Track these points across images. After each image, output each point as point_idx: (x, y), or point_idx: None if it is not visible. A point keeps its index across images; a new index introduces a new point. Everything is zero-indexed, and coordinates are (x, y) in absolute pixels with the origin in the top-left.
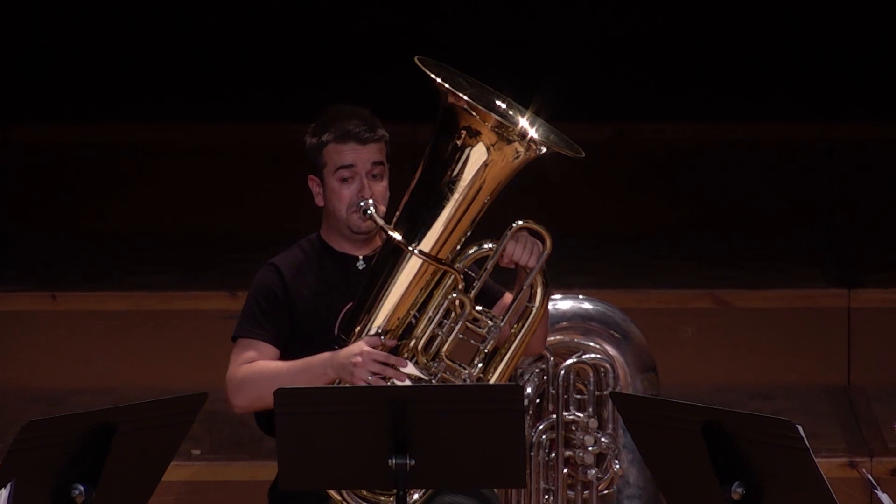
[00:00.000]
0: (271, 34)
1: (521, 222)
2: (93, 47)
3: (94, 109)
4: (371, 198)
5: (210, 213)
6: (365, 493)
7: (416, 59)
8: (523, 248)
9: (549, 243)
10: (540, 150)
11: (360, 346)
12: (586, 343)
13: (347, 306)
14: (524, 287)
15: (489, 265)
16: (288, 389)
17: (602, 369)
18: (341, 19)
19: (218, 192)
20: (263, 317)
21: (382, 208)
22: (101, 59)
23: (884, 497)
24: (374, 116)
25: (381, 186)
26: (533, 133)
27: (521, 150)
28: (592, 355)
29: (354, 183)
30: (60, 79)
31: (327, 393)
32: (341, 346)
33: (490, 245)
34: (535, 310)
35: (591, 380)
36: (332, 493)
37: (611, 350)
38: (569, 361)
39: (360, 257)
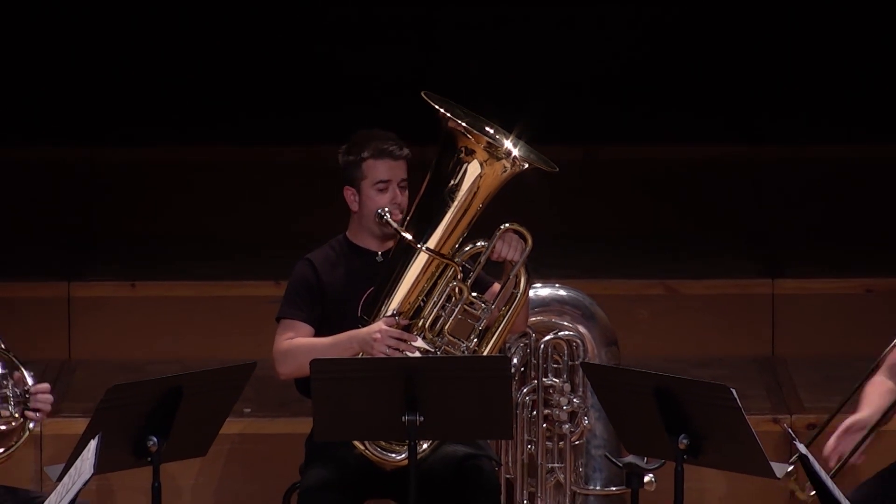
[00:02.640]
0: (305, 72)
1: (507, 225)
2: (160, 86)
3: (171, 134)
4: (399, 204)
5: (257, 219)
6: (383, 443)
7: (422, 93)
8: (509, 245)
9: (530, 242)
10: (523, 165)
11: (379, 325)
12: (561, 322)
13: (368, 291)
14: (510, 277)
15: (482, 259)
16: (321, 360)
17: (574, 343)
18: (360, 58)
19: (263, 202)
20: (301, 301)
21: (398, 215)
22: (167, 94)
23: (800, 446)
24: (398, 138)
25: (405, 196)
26: (516, 152)
27: (508, 165)
28: (566, 332)
29: (388, 192)
30: (137, 110)
31: (353, 363)
32: (364, 326)
33: (483, 243)
34: (519, 295)
35: (566, 352)
36: (357, 443)
37: (581, 328)
38: (547, 337)
39: (379, 253)
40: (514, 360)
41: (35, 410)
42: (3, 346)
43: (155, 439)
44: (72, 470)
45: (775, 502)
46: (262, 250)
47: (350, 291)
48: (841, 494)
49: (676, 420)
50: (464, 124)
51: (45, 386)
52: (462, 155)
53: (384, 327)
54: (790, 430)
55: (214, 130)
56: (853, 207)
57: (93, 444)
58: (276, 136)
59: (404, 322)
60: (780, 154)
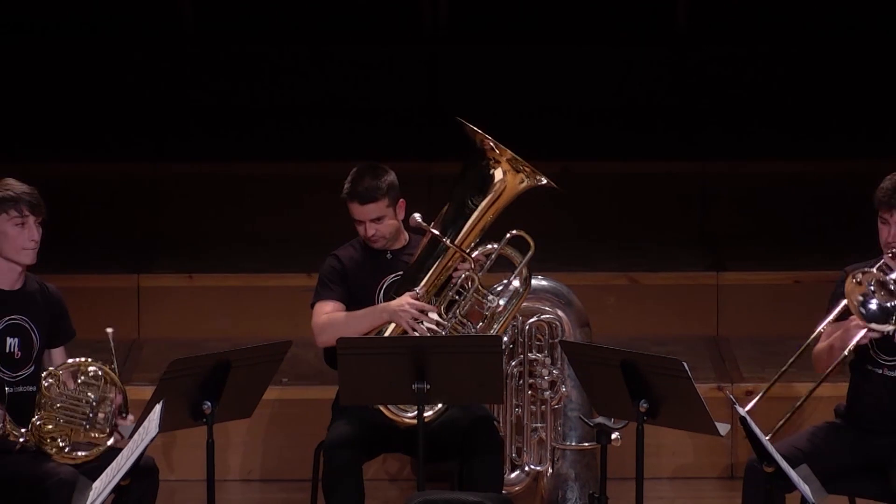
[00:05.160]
0: (328, 100)
1: (515, 231)
2: (213, 111)
3: (221, 151)
4: (375, 234)
5: (291, 222)
6: (400, 406)
7: (457, 118)
8: (516, 248)
9: (532, 246)
10: (539, 180)
11: (406, 298)
12: (543, 307)
13: (384, 281)
14: (515, 275)
15: (493, 258)
16: (347, 339)
17: (554, 325)
18: (380, 89)
19: (296, 208)
20: (332, 285)
21: (380, 241)
22: (219, 117)
23: (740, 410)
24: (377, 179)
25: (384, 226)
26: (532, 169)
27: (525, 178)
28: (547, 315)
29: (362, 227)
30: (195, 129)
31: (372, 341)
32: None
33: (494, 245)
34: (522, 291)
35: (547, 332)
36: (381, 406)
37: (560, 312)
38: (532, 319)
39: (389, 251)
40: (505, 339)
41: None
42: (117, 370)
43: (209, 403)
44: (141, 428)
45: (714, 454)
46: (295, 248)
47: (367, 281)
48: (774, 450)
49: (638, 388)
50: (492, 140)
51: (132, 419)
52: (489, 165)
53: (410, 300)
54: (731, 396)
55: (254, 148)
56: (784, 213)
57: (158, 407)
58: (306, 154)
59: (425, 301)
60: (725, 169)
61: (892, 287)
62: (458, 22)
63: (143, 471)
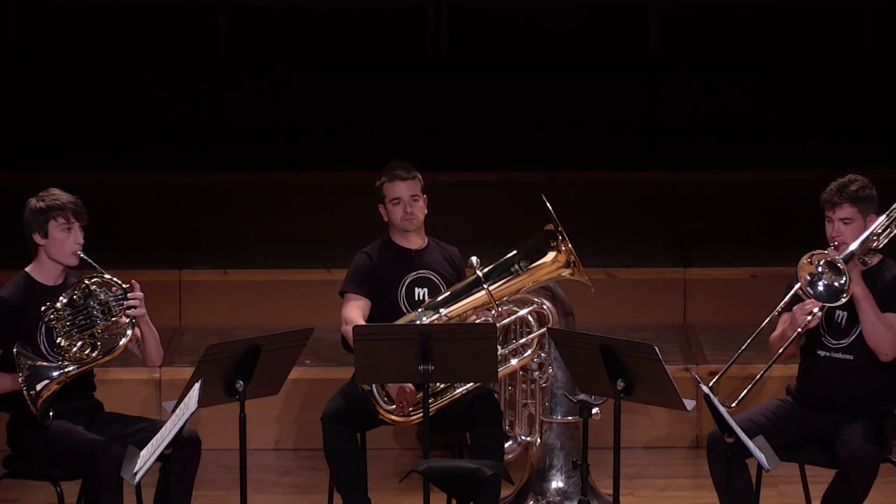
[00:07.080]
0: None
1: (545, 307)
2: (251, 128)
3: (256, 162)
4: (412, 211)
5: (313, 224)
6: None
7: (542, 196)
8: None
9: (550, 321)
10: (581, 278)
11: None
12: (532, 299)
13: (406, 277)
14: (523, 341)
15: (512, 320)
16: (362, 326)
17: (542, 314)
18: (388, 107)
19: (317, 211)
20: (360, 279)
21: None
22: (256, 134)
23: (704, 388)
24: (410, 165)
25: (418, 206)
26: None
27: (567, 271)
28: (536, 305)
29: (401, 206)
30: (232, 143)
31: (384, 328)
32: (412, 311)
33: (518, 309)
34: (523, 357)
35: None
36: (373, 400)
37: (547, 302)
38: (524, 310)
39: (413, 249)
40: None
41: (130, 308)
42: (105, 273)
43: (241, 382)
44: (182, 404)
45: (682, 426)
46: (316, 247)
47: (393, 276)
48: (734, 423)
49: (615, 369)
50: (562, 230)
51: (135, 284)
52: (548, 244)
53: (407, 397)
54: (696, 376)
55: (279, 160)
56: (743, 216)
57: (197, 385)
58: (323, 165)
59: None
60: (691, 177)
61: (840, 266)
62: (457, 47)
63: (186, 441)
